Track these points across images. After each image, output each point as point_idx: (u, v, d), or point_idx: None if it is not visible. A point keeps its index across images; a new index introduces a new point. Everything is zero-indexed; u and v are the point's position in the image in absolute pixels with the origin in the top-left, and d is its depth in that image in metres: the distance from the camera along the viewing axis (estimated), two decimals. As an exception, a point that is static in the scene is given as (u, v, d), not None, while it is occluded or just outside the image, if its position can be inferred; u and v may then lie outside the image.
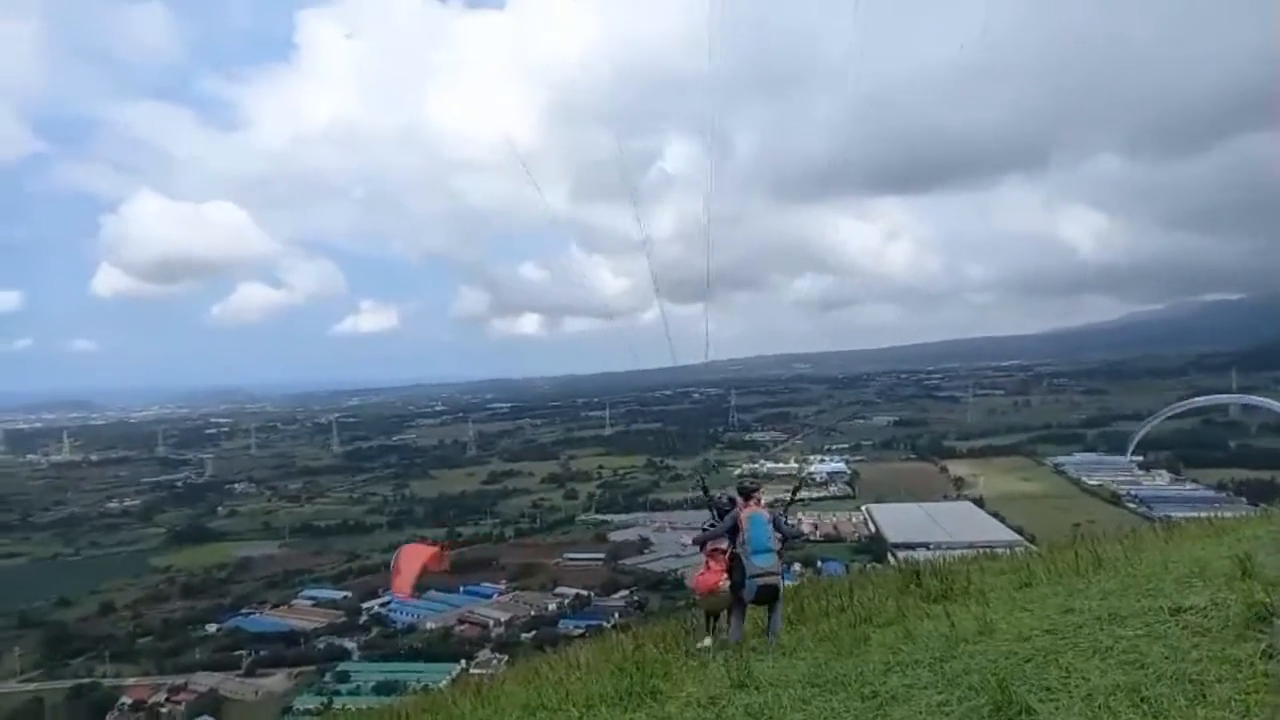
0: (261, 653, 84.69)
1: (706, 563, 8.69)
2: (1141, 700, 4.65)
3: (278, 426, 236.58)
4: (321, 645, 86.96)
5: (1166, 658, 5.20)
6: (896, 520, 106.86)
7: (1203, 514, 11.90)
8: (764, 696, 6.33)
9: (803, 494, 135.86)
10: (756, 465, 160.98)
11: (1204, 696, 4.55)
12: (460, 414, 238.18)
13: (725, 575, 8.37)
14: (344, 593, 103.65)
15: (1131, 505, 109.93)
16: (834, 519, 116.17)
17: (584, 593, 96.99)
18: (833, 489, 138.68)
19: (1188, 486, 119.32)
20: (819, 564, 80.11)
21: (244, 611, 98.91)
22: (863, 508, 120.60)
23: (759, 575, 8.09)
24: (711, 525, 8.91)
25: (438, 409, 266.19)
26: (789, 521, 8.94)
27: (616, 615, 78.95)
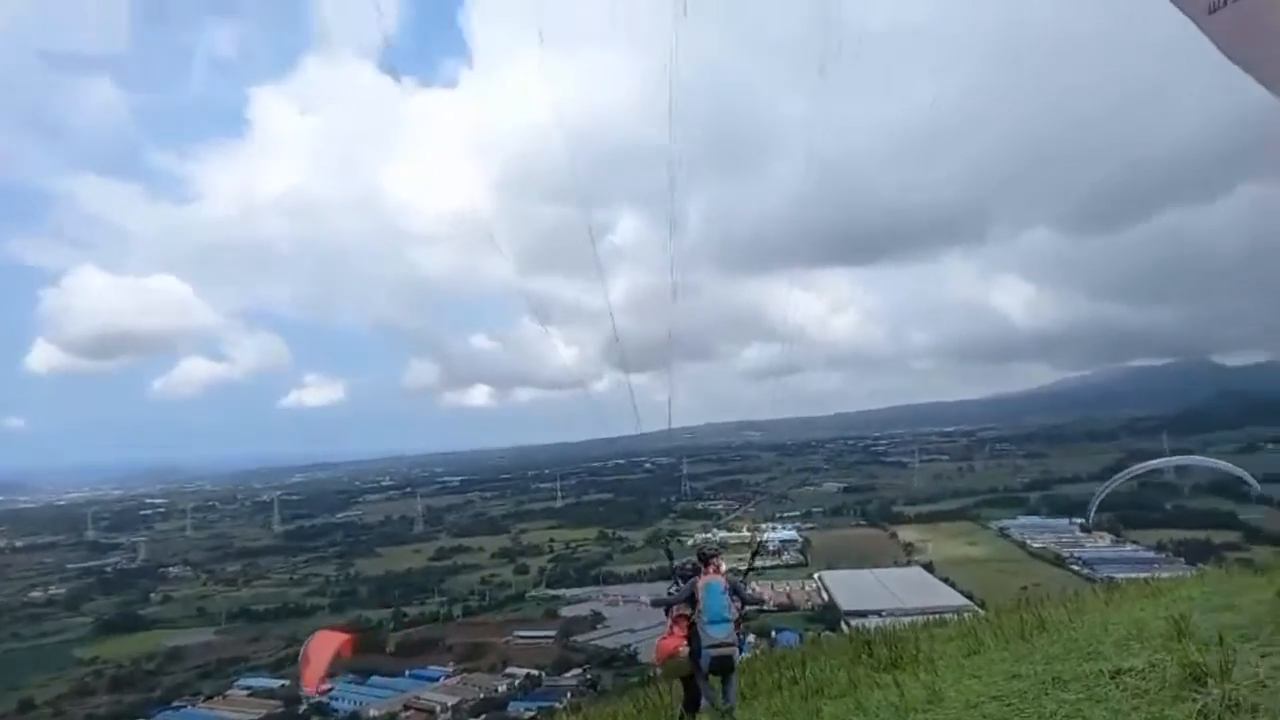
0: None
1: (671, 627, 8.51)
2: (1087, 763, 4.67)
3: (216, 506, 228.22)
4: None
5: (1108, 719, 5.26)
6: (849, 587, 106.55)
7: (1142, 575, 12.21)
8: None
9: (758, 561, 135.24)
10: (710, 534, 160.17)
11: (1146, 758, 4.58)
12: (408, 488, 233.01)
13: (685, 641, 8.24)
14: (282, 681, 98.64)
15: (1075, 567, 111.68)
16: (787, 587, 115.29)
17: (535, 672, 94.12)
18: (785, 557, 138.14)
19: (1128, 548, 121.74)
20: (773, 634, 79.18)
21: (175, 705, 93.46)
22: (815, 575, 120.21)
23: (713, 646, 8.00)
24: (673, 591, 8.80)
25: (385, 484, 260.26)
26: (750, 588, 8.90)
27: (569, 695, 76.64)
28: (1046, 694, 6.14)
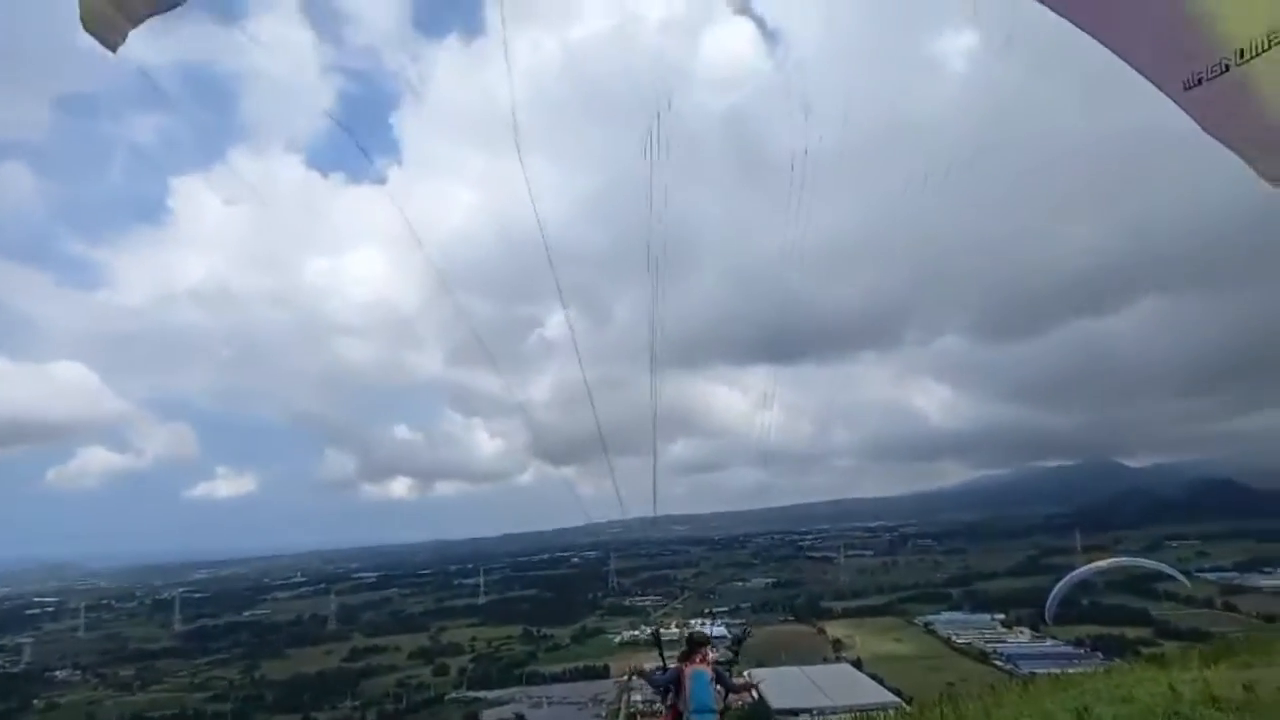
0: None
1: (666, 715, 8.63)
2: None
3: (112, 604, 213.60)
4: None
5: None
6: (779, 685, 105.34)
7: (1059, 670, 13.32)
8: None
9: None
10: (638, 631, 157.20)
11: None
12: (322, 585, 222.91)
13: None
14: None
15: (998, 662, 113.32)
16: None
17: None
18: (714, 655, 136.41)
19: (1048, 643, 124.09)
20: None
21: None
22: (745, 673, 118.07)
23: None
24: (660, 670, 9.13)
25: (297, 580, 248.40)
26: (734, 679, 9.18)
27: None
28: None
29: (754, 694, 9.17)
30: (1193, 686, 8.28)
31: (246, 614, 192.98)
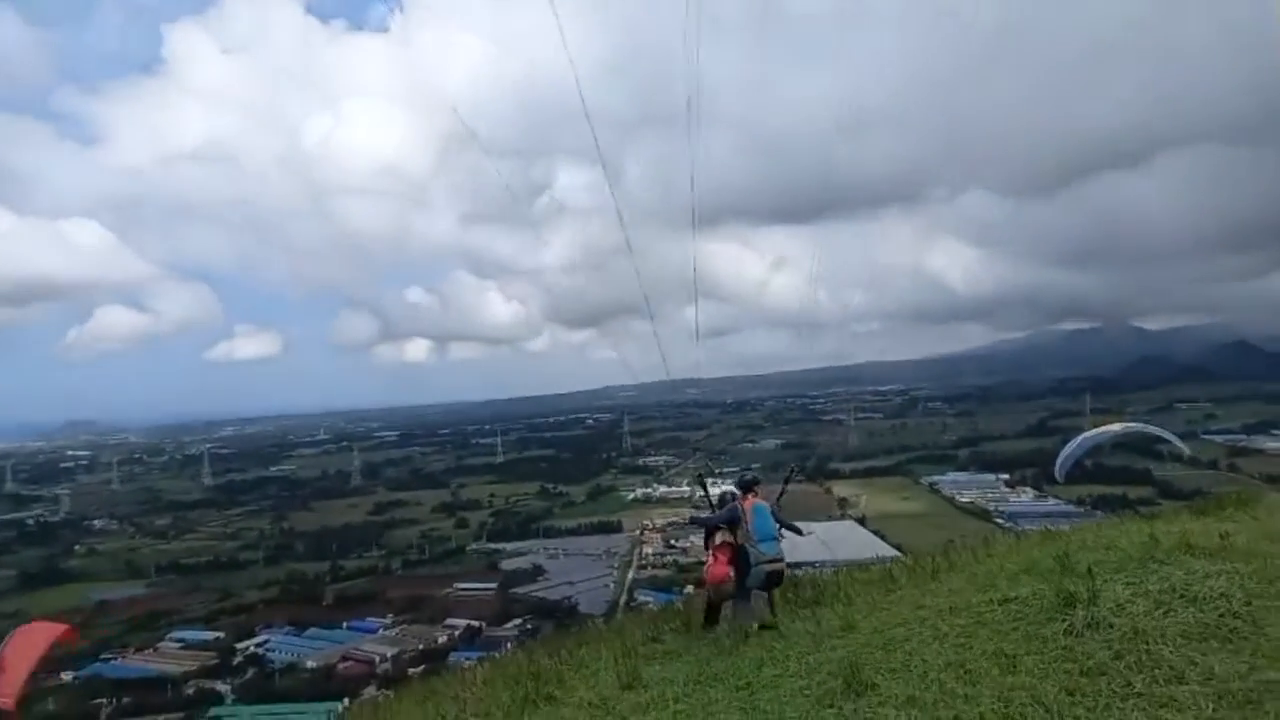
0: (124, 700, 78.89)
1: (714, 555, 8.81)
2: (965, 673, 5.50)
3: (143, 459, 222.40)
4: (191, 690, 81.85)
5: (990, 639, 6.09)
6: (785, 541, 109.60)
7: (1054, 526, 13.30)
8: (650, 694, 6.86)
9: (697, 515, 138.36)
10: (650, 489, 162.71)
11: (1015, 667, 5.44)
12: (344, 443, 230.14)
13: (731, 566, 8.57)
14: (216, 633, 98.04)
15: (1000, 520, 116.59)
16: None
17: (475, 624, 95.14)
18: (688, 513, 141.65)
19: (1050, 502, 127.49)
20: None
21: (104, 657, 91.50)
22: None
23: (766, 562, 8.46)
24: (715, 511, 9.25)
25: (320, 438, 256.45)
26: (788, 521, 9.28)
27: (509, 645, 77.73)
28: (943, 620, 6.96)
29: (804, 534, 9.21)
30: (1172, 536, 8.20)
31: (273, 469, 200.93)
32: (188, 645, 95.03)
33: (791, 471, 12.65)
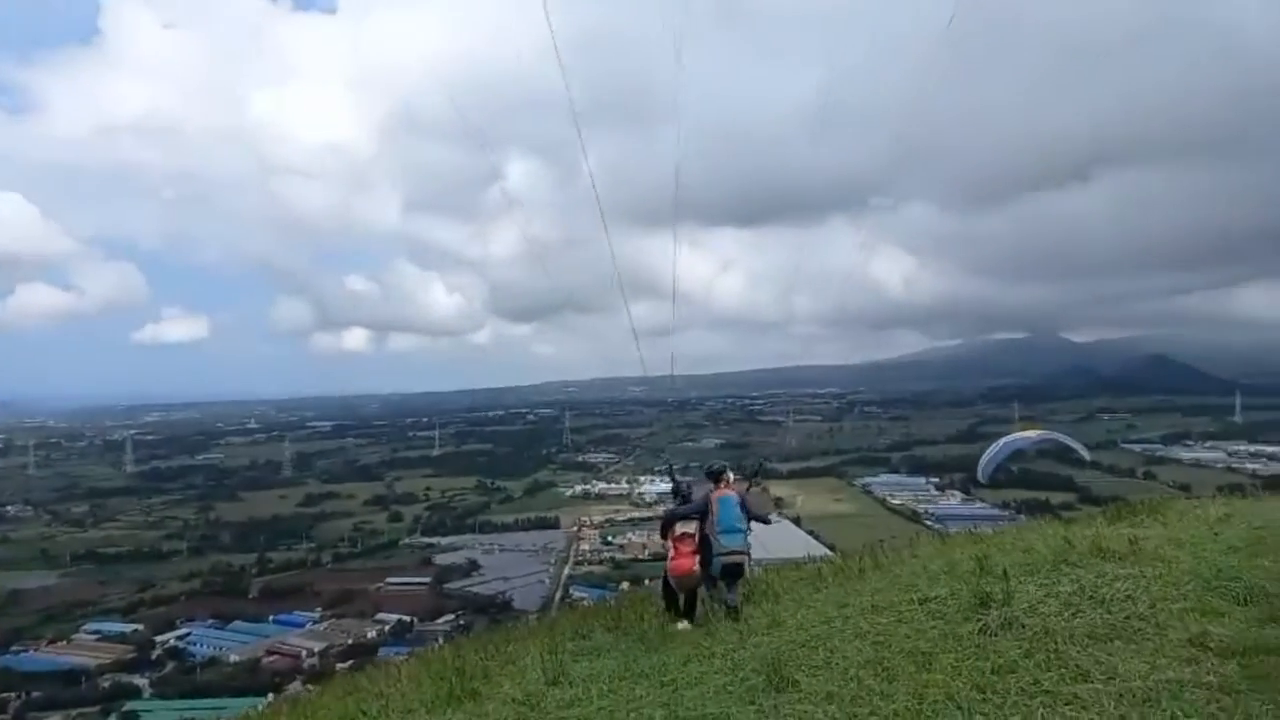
0: (35, 694, 75.78)
1: (675, 547, 8.74)
2: (883, 670, 5.64)
3: (61, 444, 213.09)
4: (107, 684, 78.81)
5: (908, 636, 6.27)
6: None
7: (978, 529, 13.75)
8: (575, 690, 6.84)
9: (637, 513, 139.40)
10: (589, 486, 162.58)
11: (930, 665, 5.60)
12: (276, 432, 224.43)
13: (697, 556, 8.55)
14: (134, 626, 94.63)
15: (929, 522, 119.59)
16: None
17: (406, 618, 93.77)
18: (661, 509, 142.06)
19: (976, 505, 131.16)
20: (646, 583, 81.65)
21: (14, 649, 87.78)
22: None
23: (724, 554, 8.48)
24: (682, 502, 9.23)
25: (250, 426, 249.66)
26: (767, 510, 9.53)
27: (440, 640, 76.68)
28: (865, 618, 7.15)
29: (772, 520, 9.21)
30: (1085, 540, 8.55)
31: (200, 457, 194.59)
32: (104, 637, 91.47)
33: (760, 465, 12.74)
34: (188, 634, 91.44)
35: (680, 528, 8.79)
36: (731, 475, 9.25)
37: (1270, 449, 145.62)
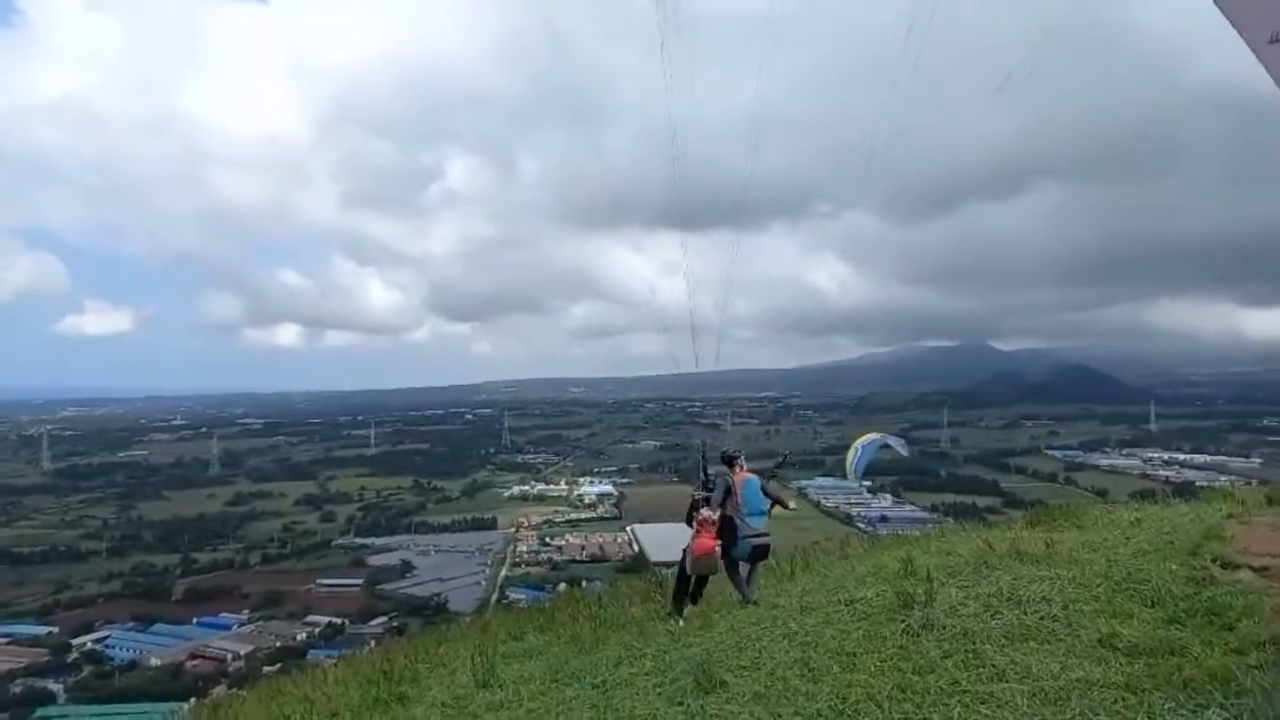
0: (-64, 702, 72.05)
1: (699, 529, 8.79)
2: (809, 670, 5.79)
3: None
4: (19, 689, 75.33)
5: (834, 637, 6.45)
6: (659, 539, 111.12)
7: (906, 532, 14.18)
8: (505, 693, 6.83)
9: (575, 514, 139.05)
10: (528, 487, 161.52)
11: (854, 665, 5.79)
12: (204, 429, 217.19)
13: (717, 539, 8.65)
14: (49, 628, 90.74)
15: (861, 525, 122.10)
16: (600, 539, 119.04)
17: (338, 620, 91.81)
18: (600, 510, 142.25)
19: (907, 508, 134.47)
20: (583, 584, 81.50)
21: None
22: (628, 528, 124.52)
23: (752, 535, 8.73)
24: (708, 490, 9.19)
25: (176, 423, 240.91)
26: (780, 492, 9.58)
27: (372, 643, 75.36)
28: (794, 619, 7.32)
29: (792, 505, 9.82)
30: (1005, 543, 8.86)
31: (122, 454, 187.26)
32: (16, 640, 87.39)
33: (785, 458, 13.07)
34: (106, 637, 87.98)
35: (705, 512, 8.91)
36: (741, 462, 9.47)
37: (1182, 456, 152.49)
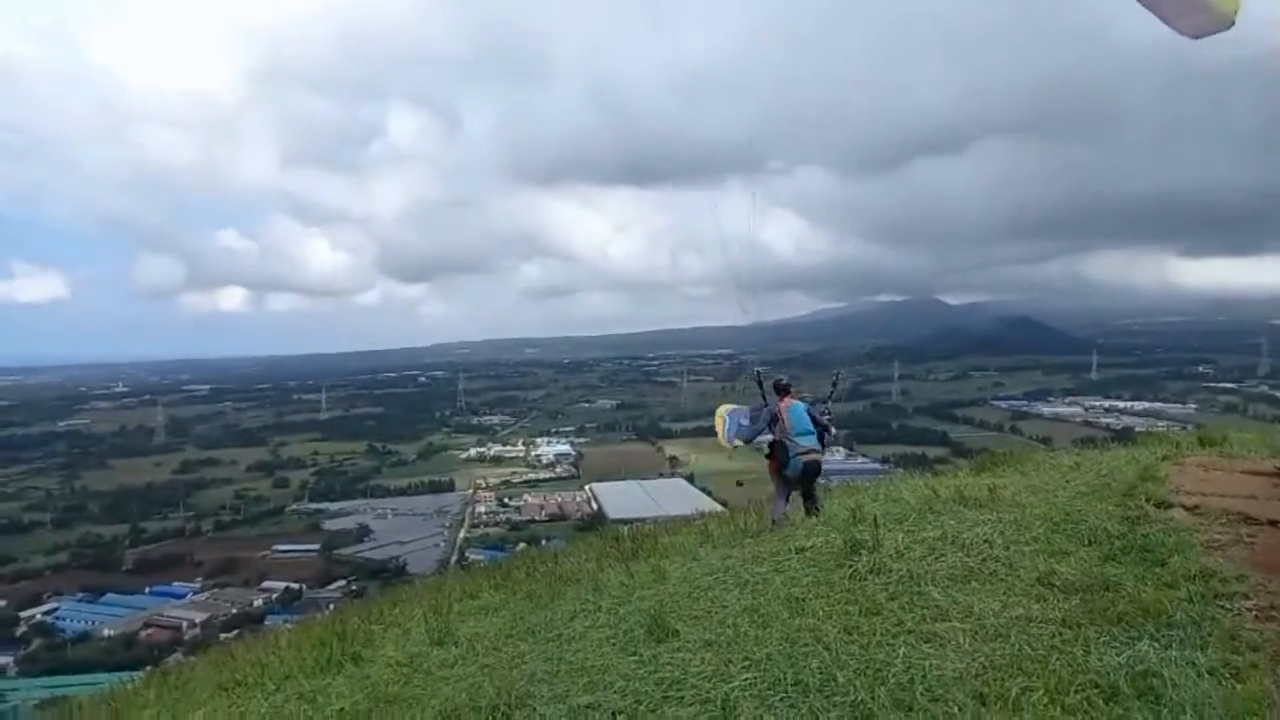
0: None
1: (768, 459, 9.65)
2: (759, 617, 5.90)
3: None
4: (-37, 665, 73.93)
5: (784, 584, 6.56)
6: (617, 498, 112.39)
7: (855, 482, 14.45)
8: (460, 650, 6.84)
9: (532, 475, 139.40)
10: (484, 448, 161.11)
11: (803, 610, 5.90)
12: (148, 396, 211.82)
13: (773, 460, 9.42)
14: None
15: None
16: (559, 499, 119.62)
17: (295, 586, 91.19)
18: (558, 470, 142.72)
19: (859, 460, 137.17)
20: (543, 543, 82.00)
21: None
22: (586, 487, 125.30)
23: (802, 452, 9.23)
24: (757, 410, 9.83)
25: (118, 390, 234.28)
26: (826, 415, 9.96)
27: (331, 607, 74.99)
28: (745, 568, 7.43)
29: (834, 432, 10.05)
30: (950, 489, 9.10)
31: (62, 424, 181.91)
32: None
33: (838, 375, 13.04)
34: (55, 609, 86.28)
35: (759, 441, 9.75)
36: (793, 390, 9.94)
37: (1122, 404, 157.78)
